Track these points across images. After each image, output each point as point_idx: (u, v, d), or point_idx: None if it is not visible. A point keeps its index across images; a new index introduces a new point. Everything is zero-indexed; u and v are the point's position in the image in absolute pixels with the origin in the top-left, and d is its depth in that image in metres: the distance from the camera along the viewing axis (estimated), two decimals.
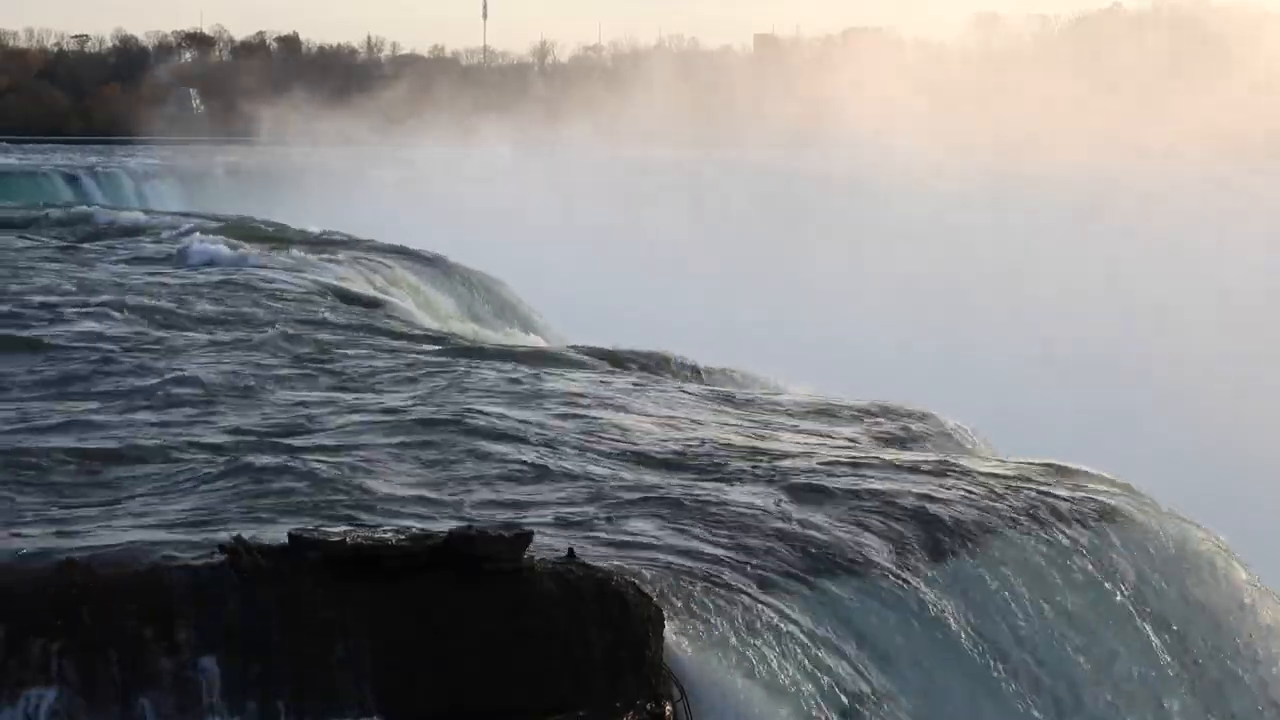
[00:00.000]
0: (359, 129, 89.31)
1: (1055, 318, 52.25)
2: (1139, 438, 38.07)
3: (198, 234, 34.70)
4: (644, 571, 10.54)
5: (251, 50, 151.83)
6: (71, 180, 67.45)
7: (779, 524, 12.18)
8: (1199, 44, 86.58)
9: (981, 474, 14.25)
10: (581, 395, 17.28)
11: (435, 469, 13.38)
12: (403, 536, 9.75)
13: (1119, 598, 12.80)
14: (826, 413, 17.39)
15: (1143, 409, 42.81)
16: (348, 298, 26.42)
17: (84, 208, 46.05)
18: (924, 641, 11.36)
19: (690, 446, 14.75)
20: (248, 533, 10.09)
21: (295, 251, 32.83)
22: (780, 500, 12.85)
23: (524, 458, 13.86)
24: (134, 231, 37.07)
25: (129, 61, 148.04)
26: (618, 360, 20.78)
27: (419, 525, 10.60)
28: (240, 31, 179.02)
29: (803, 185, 70.34)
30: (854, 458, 14.73)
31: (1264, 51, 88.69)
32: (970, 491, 13.41)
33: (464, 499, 12.40)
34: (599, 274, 51.90)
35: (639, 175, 71.21)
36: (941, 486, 13.47)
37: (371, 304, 26.28)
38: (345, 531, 9.88)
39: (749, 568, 11.26)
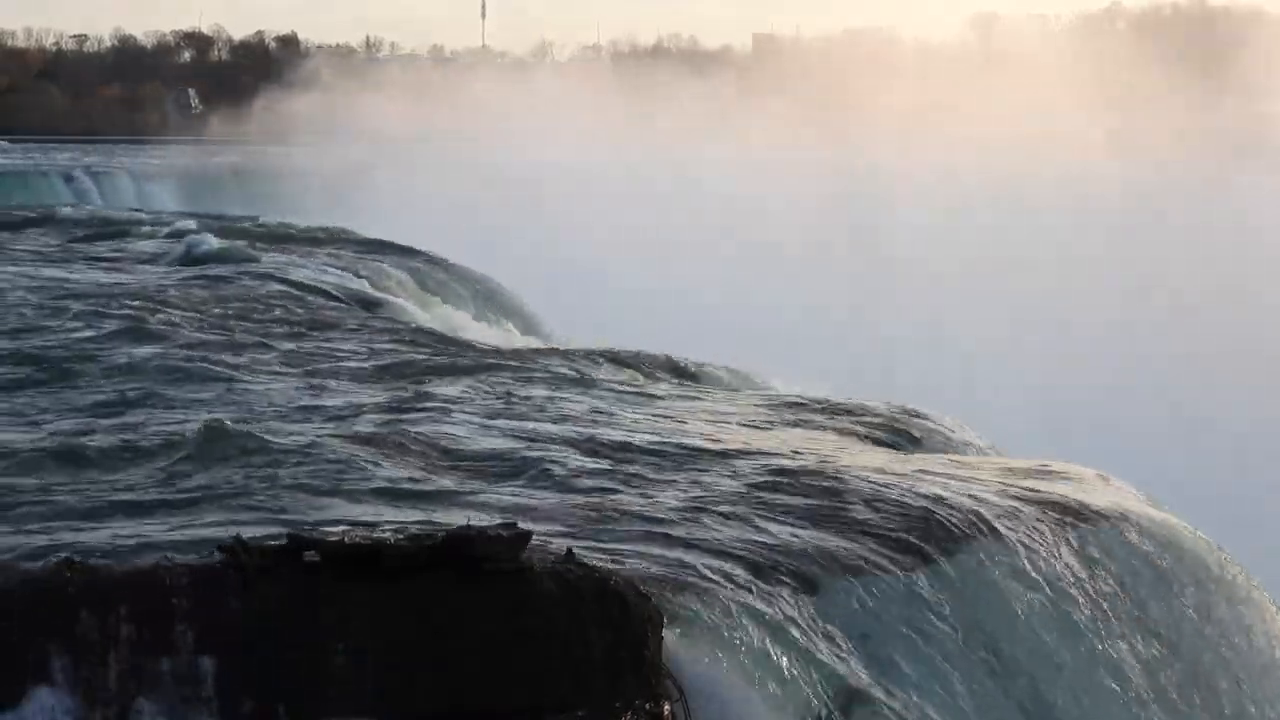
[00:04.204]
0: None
1: (1059, 317, 52.26)
2: (1139, 438, 38.08)
3: (195, 233, 34.73)
4: (643, 571, 10.55)
5: (250, 50, 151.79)
6: (70, 180, 67.41)
7: (776, 524, 12.18)
8: (1202, 43, 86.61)
9: (978, 473, 14.26)
10: (579, 394, 17.29)
11: (435, 469, 13.39)
12: (402, 536, 9.74)
13: (1116, 599, 12.81)
14: (822, 411, 17.39)
15: (1146, 410, 42.83)
16: (348, 296, 26.44)
17: (83, 207, 46.08)
18: (922, 642, 11.37)
19: (687, 445, 14.74)
20: (247, 532, 10.09)
21: (295, 250, 32.86)
22: (777, 500, 12.85)
23: (522, 457, 13.87)
24: (133, 231, 37.07)
25: (128, 61, 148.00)
26: (615, 360, 20.77)
27: (418, 525, 10.60)
28: (239, 31, 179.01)
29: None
30: (850, 457, 14.74)
31: (1266, 51, 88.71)
32: (968, 491, 13.42)
33: (464, 499, 12.40)
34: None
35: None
36: (939, 486, 13.48)
37: (371, 302, 26.31)
38: (344, 531, 9.88)
39: (748, 568, 11.26)
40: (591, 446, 14.53)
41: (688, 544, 11.54)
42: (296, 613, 9.27)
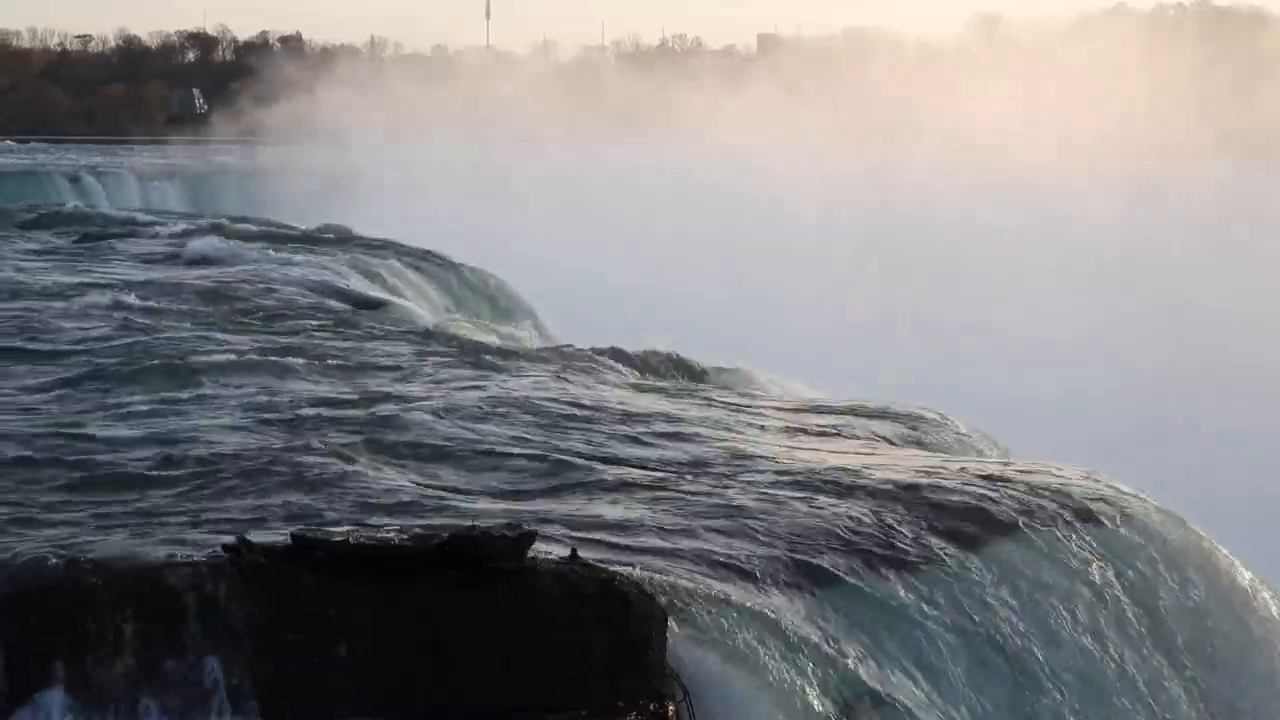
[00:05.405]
0: None
1: (1059, 317, 52.23)
2: (1141, 438, 38.08)
3: (200, 233, 34.79)
4: (648, 571, 10.56)
5: (255, 50, 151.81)
6: (74, 180, 67.47)
7: (783, 525, 12.19)
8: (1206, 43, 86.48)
9: (985, 474, 14.26)
10: (582, 395, 17.30)
11: (438, 469, 13.40)
12: (405, 536, 9.76)
13: (1121, 599, 12.82)
14: (829, 412, 17.40)
15: (1144, 413, 42.80)
16: (350, 297, 26.45)
17: (87, 207, 46.13)
18: (926, 642, 11.38)
19: (692, 445, 14.76)
20: (251, 532, 10.11)
21: (300, 250, 32.91)
22: (787, 499, 12.86)
23: (526, 457, 13.88)
24: (137, 231, 37.12)
25: (132, 61, 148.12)
26: (624, 359, 20.78)
27: (421, 525, 10.62)
28: (243, 31, 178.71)
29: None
30: (858, 457, 14.75)
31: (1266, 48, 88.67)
32: (974, 491, 13.42)
33: (467, 499, 12.42)
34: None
35: None
36: (945, 486, 13.48)
37: (373, 303, 26.31)
38: (348, 531, 9.91)
39: (753, 568, 11.27)
40: (600, 445, 14.55)
41: (696, 543, 11.55)
42: (301, 612, 9.30)
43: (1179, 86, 78.45)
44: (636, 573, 10.28)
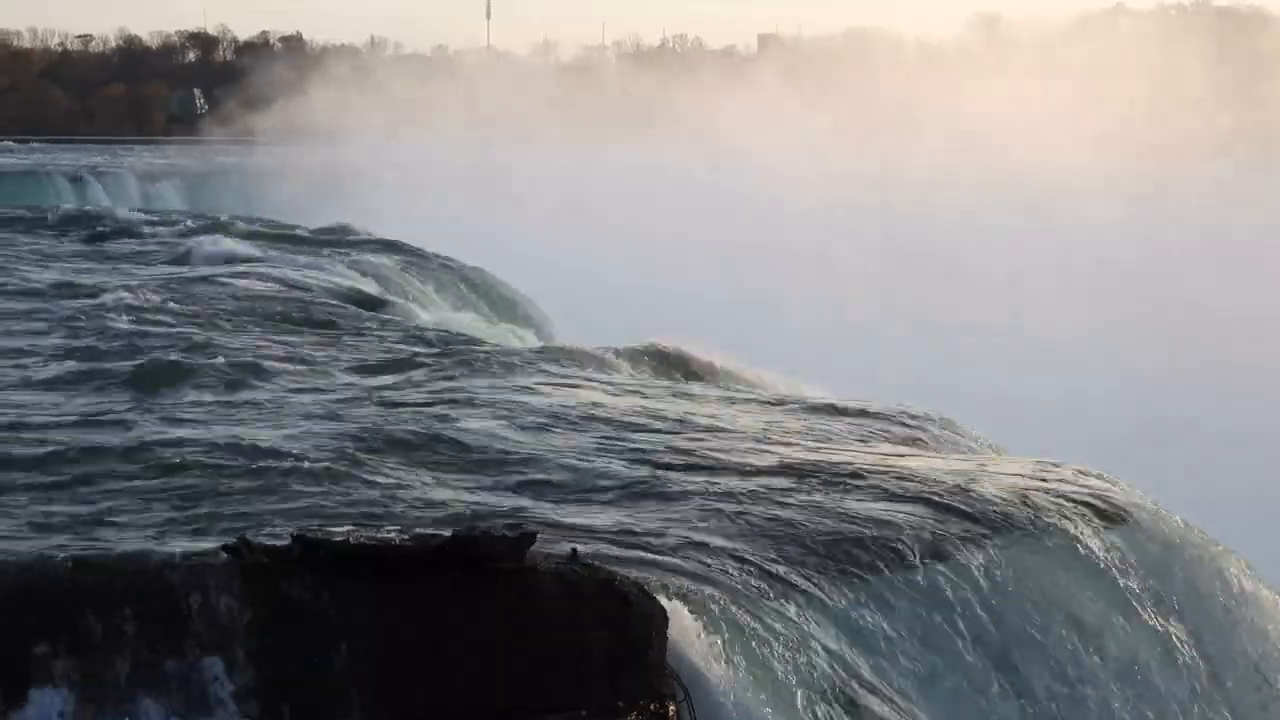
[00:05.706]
0: None
1: (1059, 317, 52.23)
2: (1141, 438, 38.07)
3: (200, 233, 34.87)
4: (648, 571, 10.56)
5: (255, 50, 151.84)
6: (75, 181, 67.55)
7: (783, 524, 12.19)
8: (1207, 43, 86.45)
9: (985, 473, 14.26)
10: (583, 394, 17.30)
11: (439, 469, 13.40)
12: (406, 536, 9.76)
13: (1125, 599, 12.82)
14: (831, 412, 17.39)
15: (1143, 413, 42.80)
16: (353, 297, 26.48)
17: (87, 208, 46.21)
18: (928, 643, 11.38)
19: (694, 446, 14.76)
20: (251, 532, 10.11)
21: (301, 250, 32.96)
22: (788, 501, 12.86)
23: (528, 457, 13.88)
24: (138, 231, 37.17)
25: (132, 61, 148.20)
26: (628, 359, 20.78)
27: (422, 525, 10.62)
28: (243, 31, 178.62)
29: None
30: (862, 457, 14.74)
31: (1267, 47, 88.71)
32: (974, 491, 13.42)
33: (468, 499, 12.42)
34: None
35: None
36: (946, 486, 13.48)
37: (376, 303, 26.35)
38: (349, 531, 9.90)
39: (755, 568, 11.27)
40: (602, 445, 14.55)
41: (699, 544, 11.55)
42: (301, 612, 9.30)
43: (1179, 86, 78.44)
44: (637, 572, 10.28)
